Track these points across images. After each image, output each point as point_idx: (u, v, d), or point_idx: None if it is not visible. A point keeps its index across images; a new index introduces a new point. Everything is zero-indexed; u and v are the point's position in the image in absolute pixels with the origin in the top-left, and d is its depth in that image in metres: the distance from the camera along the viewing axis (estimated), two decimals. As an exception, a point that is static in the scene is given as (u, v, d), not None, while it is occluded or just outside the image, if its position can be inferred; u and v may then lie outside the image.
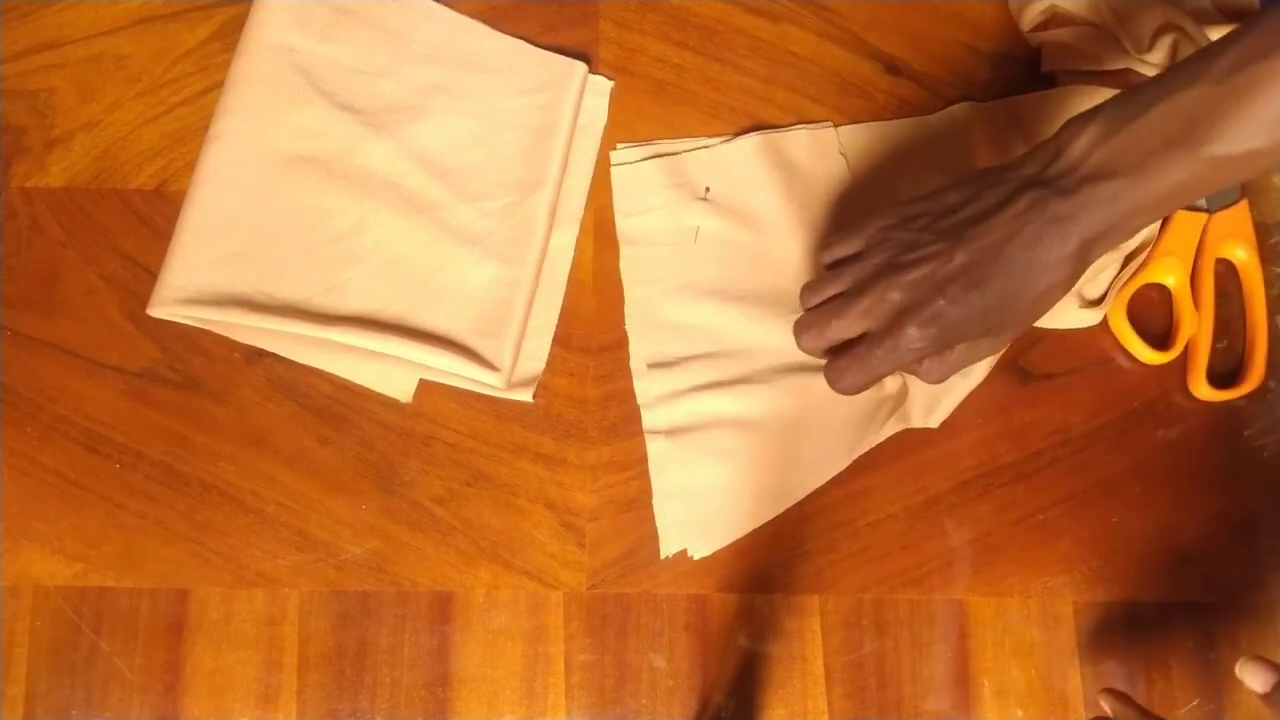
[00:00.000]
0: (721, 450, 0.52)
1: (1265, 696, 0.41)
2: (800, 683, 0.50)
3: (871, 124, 0.57)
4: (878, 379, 0.47)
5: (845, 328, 0.46)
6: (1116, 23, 0.55)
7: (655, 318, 0.54)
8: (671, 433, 0.52)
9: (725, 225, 0.55)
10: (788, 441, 0.52)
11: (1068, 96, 0.56)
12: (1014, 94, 0.57)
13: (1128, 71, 0.56)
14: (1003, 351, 0.52)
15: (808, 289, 0.48)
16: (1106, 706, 0.45)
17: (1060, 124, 0.51)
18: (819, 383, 0.52)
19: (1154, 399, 0.54)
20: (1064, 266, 0.44)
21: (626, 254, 0.55)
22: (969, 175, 0.47)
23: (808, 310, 0.48)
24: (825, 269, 0.49)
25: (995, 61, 0.59)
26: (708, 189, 0.55)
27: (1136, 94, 0.43)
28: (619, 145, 0.56)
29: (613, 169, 0.56)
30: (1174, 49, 0.55)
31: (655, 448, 0.52)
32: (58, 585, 0.50)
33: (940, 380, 0.47)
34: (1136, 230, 0.45)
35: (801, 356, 0.53)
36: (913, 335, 0.44)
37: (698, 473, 0.51)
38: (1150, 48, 0.55)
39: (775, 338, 0.53)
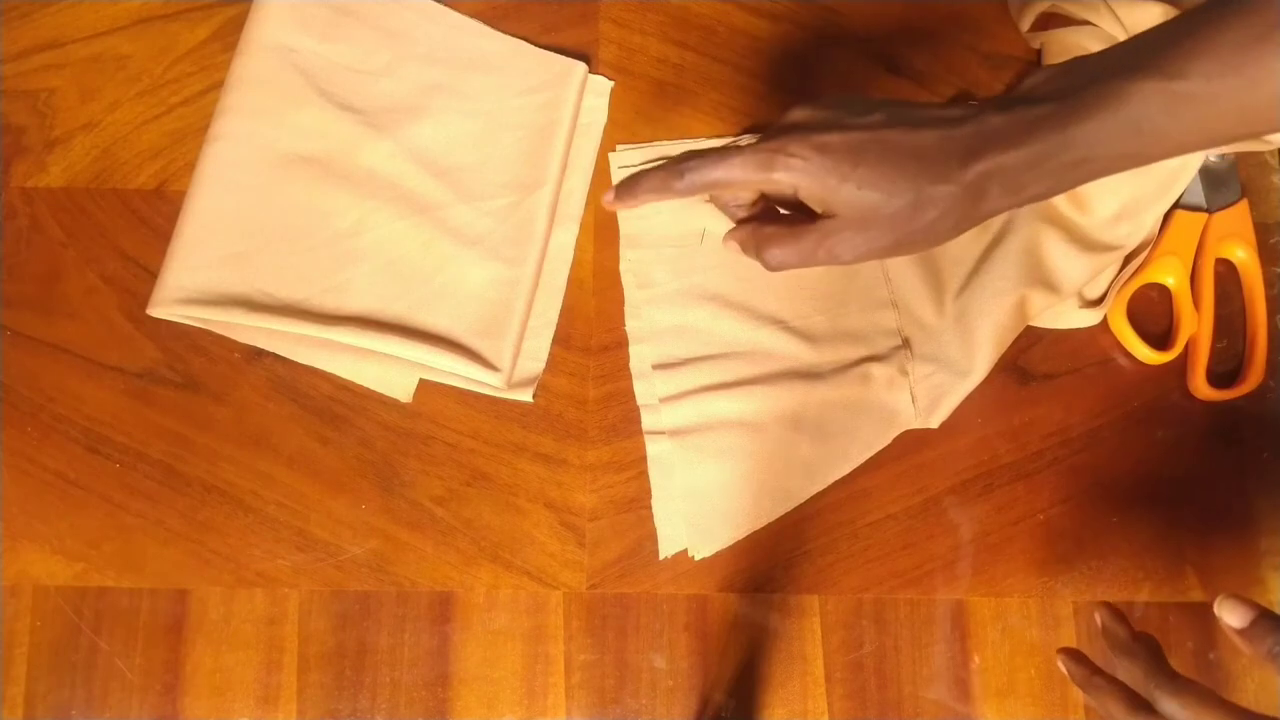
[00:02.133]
0: (724, 451, 0.52)
1: (1242, 632, 0.40)
2: (800, 683, 0.50)
3: None
4: (723, 182, 0.43)
5: (734, 159, 0.42)
6: (1116, 23, 0.55)
7: (658, 320, 0.54)
8: (674, 434, 0.52)
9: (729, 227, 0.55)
10: (790, 444, 0.52)
11: None
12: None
13: None
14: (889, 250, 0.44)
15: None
16: (1099, 620, 0.44)
17: None
18: (822, 386, 0.52)
19: (1154, 399, 0.54)
20: (957, 178, 0.40)
21: (630, 257, 0.55)
22: None
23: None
24: None
25: (995, 61, 0.59)
26: None
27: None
28: (619, 147, 0.56)
29: (616, 171, 0.56)
30: None
31: (656, 448, 0.52)
32: (58, 585, 0.50)
33: (783, 265, 0.43)
34: (1049, 181, 0.41)
35: (806, 360, 0.53)
36: (794, 149, 0.41)
37: (700, 474, 0.52)
38: None
39: (780, 341, 0.53)
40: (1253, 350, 0.54)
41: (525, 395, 0.53)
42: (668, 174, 0.43)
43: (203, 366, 0.53)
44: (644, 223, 0.55)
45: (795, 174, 0.41)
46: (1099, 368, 0.54)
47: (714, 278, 0.54)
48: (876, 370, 0.53)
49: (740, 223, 0.45)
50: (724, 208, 0.46)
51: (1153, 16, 0.54)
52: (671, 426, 0.52)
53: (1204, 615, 0.52)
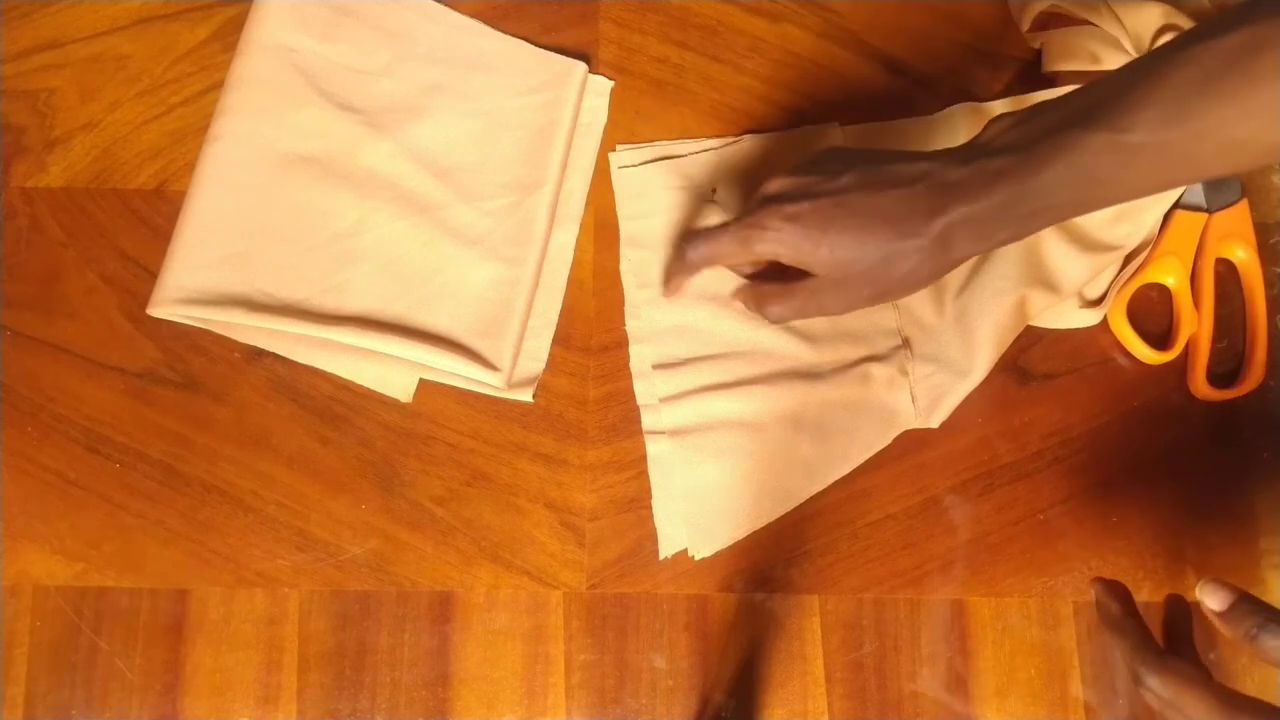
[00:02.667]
0: (724, 451, 0.52)
1: (1222, 615, 0.41)
2: (800, 683, 0.50)
3: (873, 124, 0.57)
4: (717, 259, 0.49)
5: (721, 237, 0.48)
6: (1116, 23, 0.55)
7: (658, 320, 0.54)
8: (675, 433, 0.52)
9: None
10: (790, 444, 0.52)
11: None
12: (1014, 94, 0.57)
13: None
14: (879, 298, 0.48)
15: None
16: (1094, 593, 0.45)
17: None
18: (822, 386, 0.52)
19: (1154, 399, 0.54)
20: (925, 233, 0.43)
21: (631, 257, 0.55)
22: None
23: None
24: None
25: (995, 61, 0.59)
26: (715, 190, 0.55)
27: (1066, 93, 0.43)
28: (619, 146, 0.56)
29: (616, 171, 0.56)
30: None
31: (657, 448, 0.52)
32: (58, 585, 0.50)
33: (780, 319, 0.48)
34: (1012, 228, 0.43)
35: (806, 360, 0.53)
36: (768, 222, 0.45)
37: (700, 473, 0.52)
38: (1151, 48, 0.55)
39: (780, 341, 0.53)
40: (1253, 350, 0.54)
41: (525, 395, 0.53)
42: (677, 263, 0.50)
43: (203, 366, 0.53)
44: (645, 223, 0.55)
45: (772, 245, 0.45)
46: (1099, 368, 0.54)
47: (713, 277, 0.54)
48: (876, 370, 0.53)
49: (747, 277, 0.51)
50: (731, 269, 0.51)
51: (1153, 17, 0.54)
52: (671, 426, 0.52)
53: (1204, 615, 0.52)
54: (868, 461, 0.52)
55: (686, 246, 0.49)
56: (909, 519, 0.52)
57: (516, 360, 0.53)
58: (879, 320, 0.54)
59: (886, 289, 0.45)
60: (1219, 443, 0.54)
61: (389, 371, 0.53)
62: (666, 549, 0.51)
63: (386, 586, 0.51)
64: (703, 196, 0.55)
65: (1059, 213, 0.43)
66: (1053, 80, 0.57)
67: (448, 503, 0.52)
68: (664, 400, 0.52)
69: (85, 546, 0.50)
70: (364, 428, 0.52)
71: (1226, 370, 0.55)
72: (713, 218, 0.55)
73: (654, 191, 0.55)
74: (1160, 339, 0.54)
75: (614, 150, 0.56)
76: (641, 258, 0.55)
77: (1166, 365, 0.54)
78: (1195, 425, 0.54)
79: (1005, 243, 0.44)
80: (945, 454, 0.53)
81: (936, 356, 0.53)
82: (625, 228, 0.55)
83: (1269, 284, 0.55)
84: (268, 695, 0.49)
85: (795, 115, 0.57)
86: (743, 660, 0.50)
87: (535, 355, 0.53)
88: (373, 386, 0.53)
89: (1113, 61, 0.56)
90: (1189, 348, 0.54)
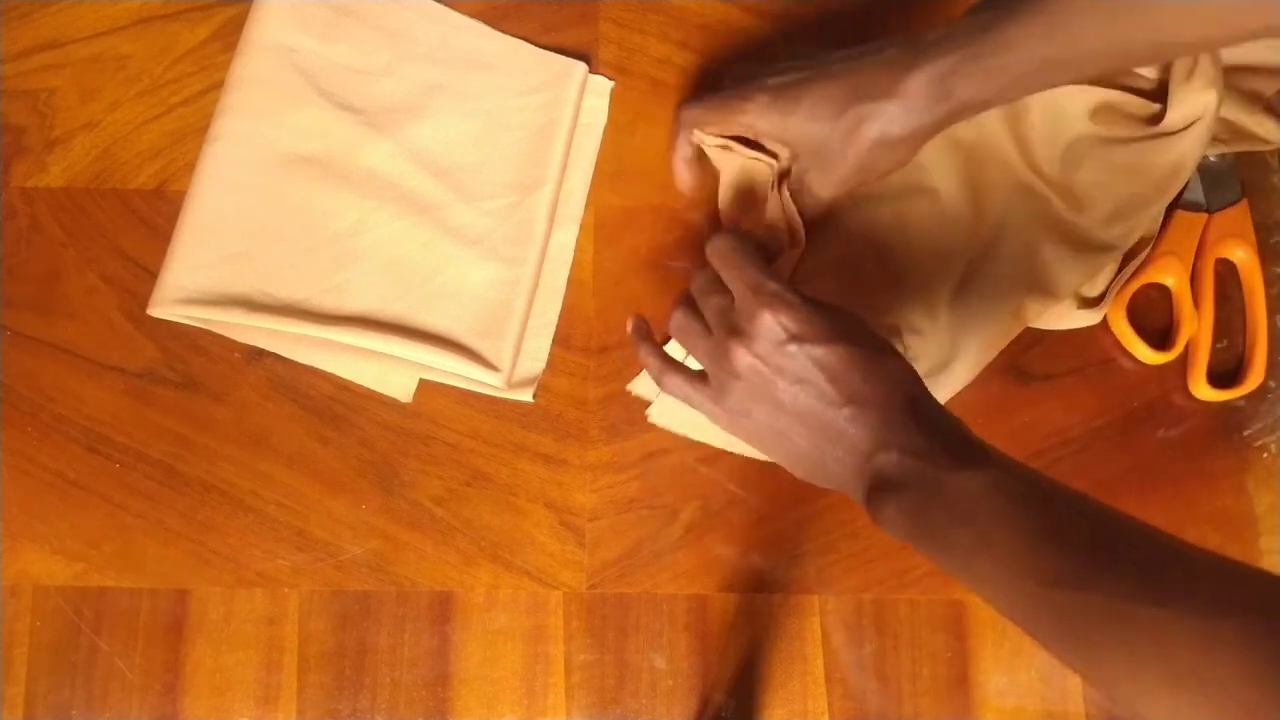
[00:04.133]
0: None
1: (635, 345, 0.47)
2: (800, 683, 0.50)
3: None
4: (704, 122, 0.51)
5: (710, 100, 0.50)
6: None
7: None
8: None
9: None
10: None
11: (1062, 96, 0.55)
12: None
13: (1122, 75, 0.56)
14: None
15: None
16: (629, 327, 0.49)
17: (1056, 123, 0.51)
18: None
19: (1154, 399, 0.54)
20: (900, 91, 0.44)
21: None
22: None
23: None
24: None
25: (995, 61, 0.59)
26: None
27: None
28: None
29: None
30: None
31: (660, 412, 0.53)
32: (58, 585, 0.50)
33: (796, 206, 0.50)
34: (978, 82, 0.44)
35: None
36: (751, 94, 0.47)
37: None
38: None
39: None
40: (1253, 350, 0.54)
41: (525, 395, 0.53)
42: (674, 125, 0.52)
43: (203, 366, 0.53)
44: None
45: (750, 117, 0.48)
46: (1099, 368, 0.54)
47: None
48: None
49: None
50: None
51: None
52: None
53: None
54: (868, 461, 0.52)
55: (682, 106, 0.51)
56: (909, 519, 0.52)
57: (516, 360, 0.53)
58: (875, 321, 0.54)
59: (867, 151, 0.46)
60: (1219, 443, 0.54)
61: (389, 371, 0.53)
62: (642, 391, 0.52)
63: (386, 586, 0.51)
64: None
65: (1035, 75, 0.44)
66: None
67: (448, 503, 0.52)
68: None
69: (85, 546, 0.50)
70: (364, 428, 0.52)
71: (1226, 370, 0.55)
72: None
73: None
74: (1160, 339, 0.54)
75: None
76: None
77: (1166, 365, 0.54)
78: (1195, 425, 0.54)
79: (990, 100, 0.45)
80: (945, 454, 0.53)
81: (920, 358, 0.53)
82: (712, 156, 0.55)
83: (1269, 284, 0.55)
84: (268, 695, 0.49)
85: (795, 115, 0.57)
86: (743, 660, 0.50)
87: (535, 355, 0.53)
88: (373, 386, 0.53)
89: None
90: (1189, 348, 0.54)
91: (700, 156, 0.53)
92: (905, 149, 0.46)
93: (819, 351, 0.41)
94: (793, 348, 0.41)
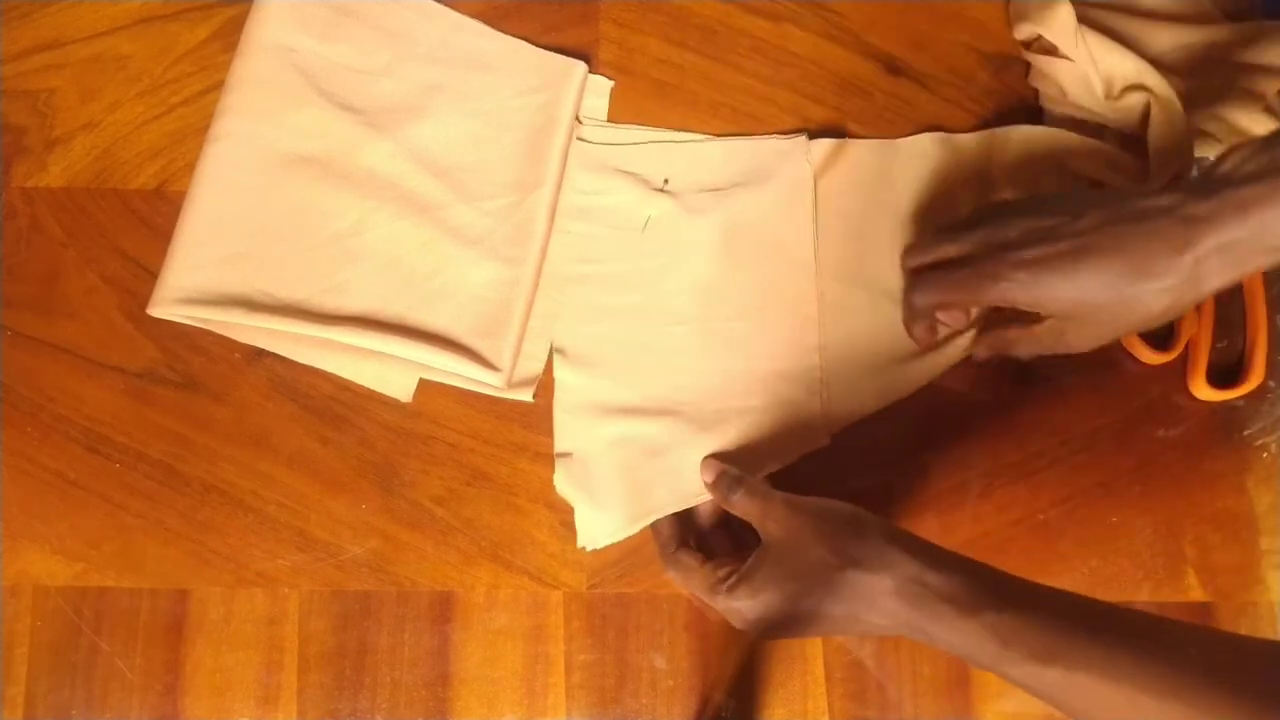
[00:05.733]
0: (623, 443, 0.52)
1: (710, 484, 0.48)
2: (800, 683, 0.50)
3: (842, 140, 0.56)
4: (945, 304, 0.49)
5: (948, 283, 0.48)
6: (1091, 64, 0.55)
7: (581, 299, 0.54)
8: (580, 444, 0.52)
9: (677, 221, 0.55)
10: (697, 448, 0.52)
11: (1047, 139, 0.56)
12: (1012, 94, 0.58)
13: (1103, 129, 0.56)
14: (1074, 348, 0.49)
15: (911, 252, 0.51)
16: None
17: (1038, 163, 0.53)
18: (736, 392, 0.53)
19: (1154, 399, 0.54)
20: (1174, 270, 0.42)
21: (570, 229, 0.55)
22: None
23: (913, 270, 0.50)
24: (915, 271, 0.50)
25: (996, 62, 0.59)
26: (666, 181, 0.55)
27: None
28: (585, 120, 0.56)
29: (575, 143, 0.55)
30: (1145, 110, 0.55)
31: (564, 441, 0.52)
32: (58, 585, 0.50)
33: (1028, 353, 0.50)
34: (1262, 257, 0.42)
35: (725, 379, 0.53)
36: (1002, 271, 0.45)
37: (601, 466, 0.52)
38: (1119, 97, 0.55)
39: (697, 339, 0.53)
40: (1253, 350, 0.54)
41: (525, 395, 0.53)
42: (906, 311, 0.51)
43: (203, 366, 0.53)
44: (592, 199, 0.55)
45: (1006, 293, 0.46)
46: (1099, 368, 0.54)
47: (649, 265, 0.54)
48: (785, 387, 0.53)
49: (989, 329, 0.52)
50: (921, 311, 0.50)
51: (1125, 72, 0.55)
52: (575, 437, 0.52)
53: (1204, 615, 0.52)
54: (868, 462, 0.52)
55: (913, 293, 0.50)
56: (909, 519, 0.52)
57: (516, 360, 0.53)
58: (801, 338, 0.54)
59: (1131, 325, 0.46)
60: (1219, 443, 0.54)
61: (389, 371, 0.53)
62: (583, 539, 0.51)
63: (386, 586, 0.51)
64: (652, 185, 0.55)
65: None
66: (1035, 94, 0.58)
67: (448, 503, 0.52)
68: (573, 405, 0.53)
69: (85, 546, 0.50)
70: (364, 428, 0.52)
71: (1226, 370, 0.55)
72: (661, 204, 0.55)
73: (608, 172, 0.55)
74: (1160, 339, 0.54)
75: (581, 125, 0.56)
76: (583, 231, 0.55)
77: (1166, 365, 0.54)
78: (1195, 425, 0.54)
79: (1257, 271, 0.44)
80: (946, 454, 0.53)
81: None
82: (573, 200, 0.55)
83: (1269, 284, 0.55)
84: (268, 695, 0.49)
85: (796, 115, 0.57)
86: (743, 660, 0.50)
87: (535, 355, 0.53)
88: (373, 386, 0.53)
89: (1082, 99, 0.56)
90: (1189, 348, 0.54)
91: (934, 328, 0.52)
92: (1175, 316, 0.46)
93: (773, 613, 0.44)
94: (760, 627, 0.45)
